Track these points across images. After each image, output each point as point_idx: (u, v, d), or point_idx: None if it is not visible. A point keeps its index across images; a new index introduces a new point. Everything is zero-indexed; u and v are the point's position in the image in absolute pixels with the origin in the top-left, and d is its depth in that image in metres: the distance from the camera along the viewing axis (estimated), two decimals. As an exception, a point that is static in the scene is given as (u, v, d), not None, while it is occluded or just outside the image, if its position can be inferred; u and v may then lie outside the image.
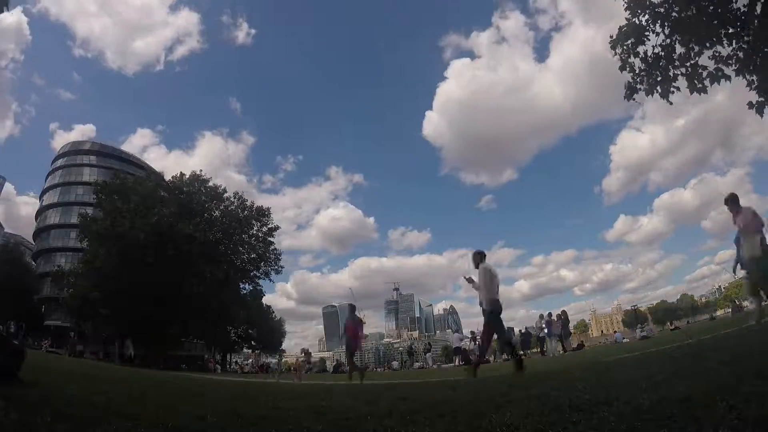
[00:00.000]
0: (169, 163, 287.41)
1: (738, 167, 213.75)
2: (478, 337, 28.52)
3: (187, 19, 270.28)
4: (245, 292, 43.11)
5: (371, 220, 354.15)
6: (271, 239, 38.16)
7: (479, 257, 7.30)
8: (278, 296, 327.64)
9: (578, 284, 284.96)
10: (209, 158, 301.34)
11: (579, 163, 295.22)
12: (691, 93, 6.22)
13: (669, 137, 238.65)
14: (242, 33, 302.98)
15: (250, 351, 66.51)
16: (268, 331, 61.94)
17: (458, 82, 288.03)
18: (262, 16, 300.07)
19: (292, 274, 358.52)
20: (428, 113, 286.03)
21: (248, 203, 37.78)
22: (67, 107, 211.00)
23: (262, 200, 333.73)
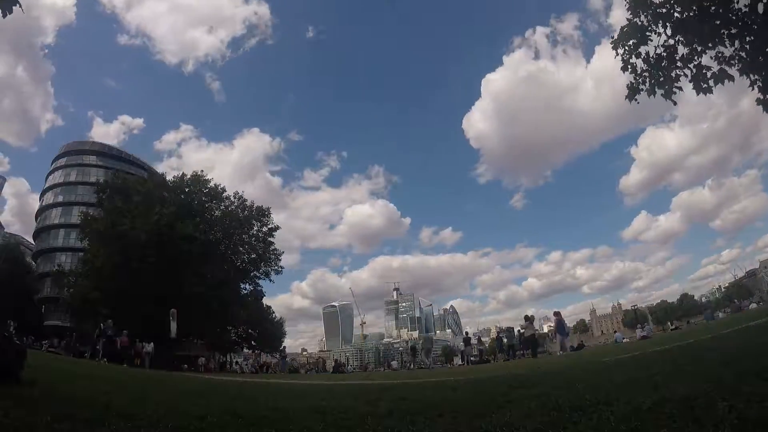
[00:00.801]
0: (207, 157, 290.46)
1: (755, 168, 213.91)
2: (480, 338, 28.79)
3: (237, 13, 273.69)
4: (245, 292, 43.11)
5: (406, 219, 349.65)
6: (271, 239, 38.12)
7: None
8: (292, 295, 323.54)
9: (588, 282, 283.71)
10: (249, 153, 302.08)
11: (604, 164, 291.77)
12: (698, 94, 6.20)
13: (695, 138, 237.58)
14: (288, 31, 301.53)
15: (250, 351, 66.54)
16: (268, 332, 61.91)
17: (502, 83, 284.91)
18: (308, 13, 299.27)
19: (310, 273, 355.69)
20: (471, 114, 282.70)
21: (248, 203, 37.77)
22: (111, 97, 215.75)
23: (301, 197, 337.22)
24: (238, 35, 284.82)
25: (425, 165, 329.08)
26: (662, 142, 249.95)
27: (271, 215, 38.10)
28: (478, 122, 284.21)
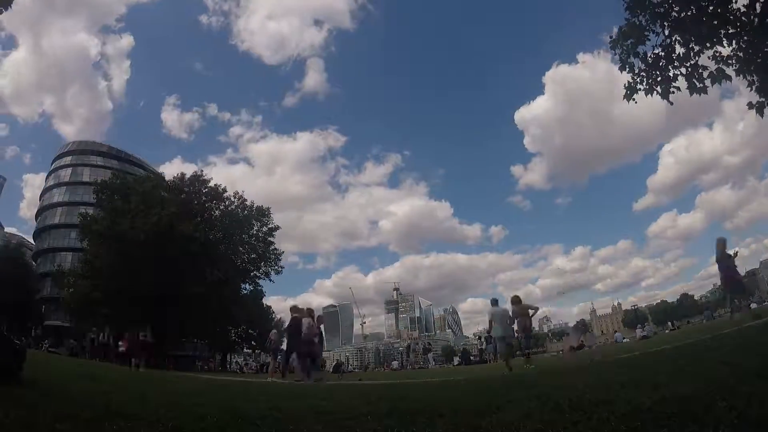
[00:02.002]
0: (267, 149, 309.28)
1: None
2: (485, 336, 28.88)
3: (317, 10, 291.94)
4: (246, 292, 43.10)
5: (447, 215, 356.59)
6: (271, 239, 38.11)
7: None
8: (314, 294, 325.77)
9: (602, 280, 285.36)
10: (308, 149, 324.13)
11: (642, 171, 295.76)
12: (692, 94, 6.21)
13: (731, 139, 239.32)
14: (360, 29, 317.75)
15: (250, 351, 66.49)
16: (268, 332, 61.89)
17: (556, 90, 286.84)
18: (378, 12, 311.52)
19: (336, 273, 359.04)
20: (525, 118, 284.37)
21: (248, 203, 37.77)
22: (187, 82, 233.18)
23: (356, 194, 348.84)
24: (319, 30, 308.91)
25: (477, 162, 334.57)
26: (695, 144, 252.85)
27: (271, 215, 38.09)
28: (535, 121, 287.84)
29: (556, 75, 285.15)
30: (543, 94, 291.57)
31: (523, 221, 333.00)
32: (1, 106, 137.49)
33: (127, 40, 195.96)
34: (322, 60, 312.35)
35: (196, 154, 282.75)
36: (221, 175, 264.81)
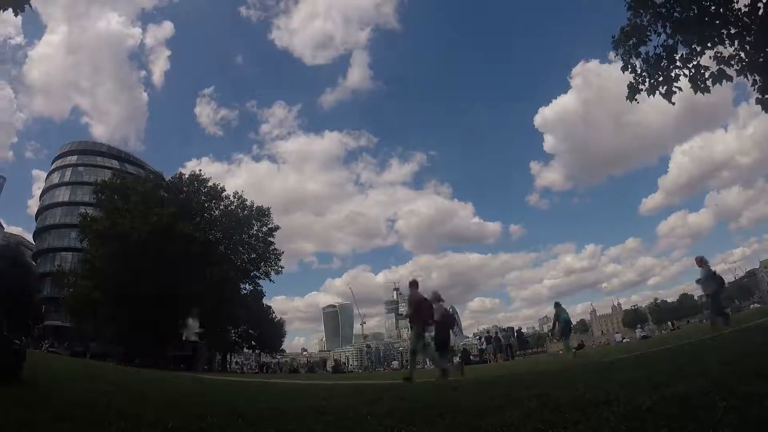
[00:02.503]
0: (294, 147, 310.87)
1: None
2: (493, 336, 28.98)
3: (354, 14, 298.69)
4: (245, 292, 43.09)
5: (467, 214, 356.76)
6: (271, 239, 38.12)
7: None
8: (323, 294, 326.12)
9: (609, 278, 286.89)
10: (334, 147, 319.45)
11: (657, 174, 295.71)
12: (695, 93, 6.22)
13: (743, 141, 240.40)
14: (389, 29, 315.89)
15: (250, 351, 66.50)
16: (268, 332, 61.91)
17: (580, 90, 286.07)
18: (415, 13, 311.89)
19: (349, 272, 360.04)
20: (547, 117, 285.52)
21: (248, 203, 37.77)
22: (224, 75, 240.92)
23: (377, 193, 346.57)
24: (361, 29, 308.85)
25: (499, 162, 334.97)
26: (708, 145, 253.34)
27: (271, 215, 38.09)
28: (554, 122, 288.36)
29: (583, 72, 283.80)
30: (566, 93, 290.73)
31: (541, 221, 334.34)
32: (29, 97, 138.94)
33: (167, 28, 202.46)
34: (362, 58, 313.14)
35: (224, 150, 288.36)
36: (245, 172, 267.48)
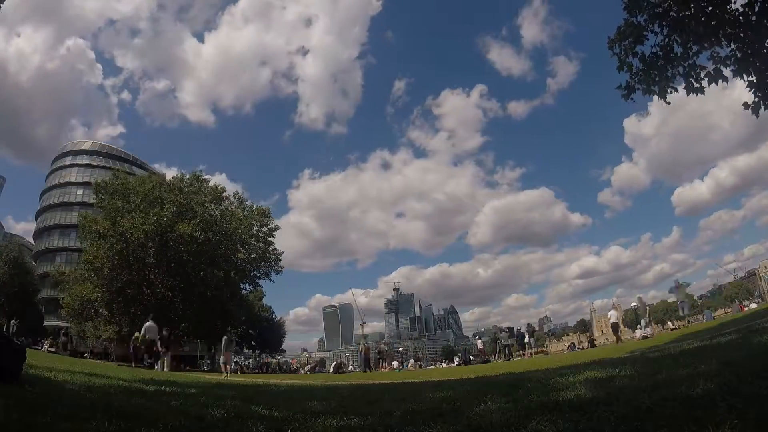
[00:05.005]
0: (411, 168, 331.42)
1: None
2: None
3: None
4: (245, 292, 43.09)
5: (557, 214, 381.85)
6: (271, 239, 38.11)
7: None
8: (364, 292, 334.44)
9: (643, 274, 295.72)
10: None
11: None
12: (688, 94, 6.23)
13: None
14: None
15: (250, 351, 66.53)
16: (268, 332, 61.95)
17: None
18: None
19: (400, 269, 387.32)
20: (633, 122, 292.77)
21: (248, 203, 37.79)
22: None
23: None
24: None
25: (583, 160, 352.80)
26: None
27: (271, 215, 38.12)
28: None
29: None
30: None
31: (616, 217, 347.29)
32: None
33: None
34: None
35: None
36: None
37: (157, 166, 79.01)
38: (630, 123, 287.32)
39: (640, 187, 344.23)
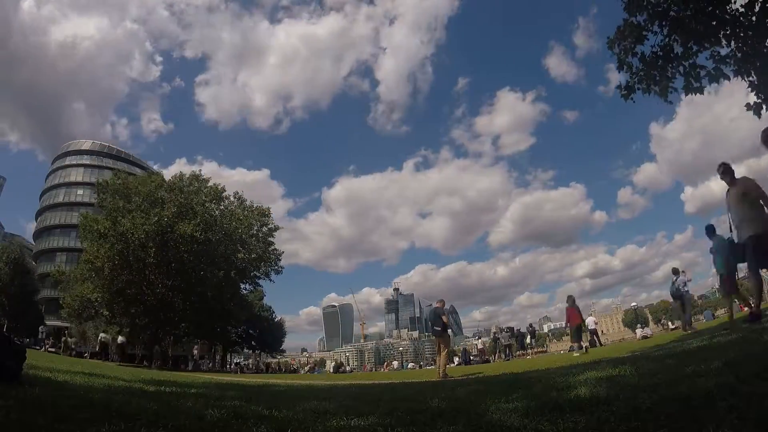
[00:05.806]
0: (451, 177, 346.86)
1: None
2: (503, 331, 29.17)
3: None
4: (245, 292, 43.15)
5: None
6: (271, 239, 38.15)
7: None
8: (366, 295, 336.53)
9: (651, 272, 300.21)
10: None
11: None
12: (687, 94, 6.23)
13: None
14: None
15: (250, 351, 66.55)
16: (268, 332, 61.96)
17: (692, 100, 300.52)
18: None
19: (416, 267, 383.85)
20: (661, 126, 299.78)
21: (248, 203, 37.81)
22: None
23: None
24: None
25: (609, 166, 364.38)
26: None
27: (271, 215, 38.16)
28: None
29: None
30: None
31: (636, 218, 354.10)
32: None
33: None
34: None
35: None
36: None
37: (193, 167, 79.03)
38: (654, 127, 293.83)
39: (660, 187, 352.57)
